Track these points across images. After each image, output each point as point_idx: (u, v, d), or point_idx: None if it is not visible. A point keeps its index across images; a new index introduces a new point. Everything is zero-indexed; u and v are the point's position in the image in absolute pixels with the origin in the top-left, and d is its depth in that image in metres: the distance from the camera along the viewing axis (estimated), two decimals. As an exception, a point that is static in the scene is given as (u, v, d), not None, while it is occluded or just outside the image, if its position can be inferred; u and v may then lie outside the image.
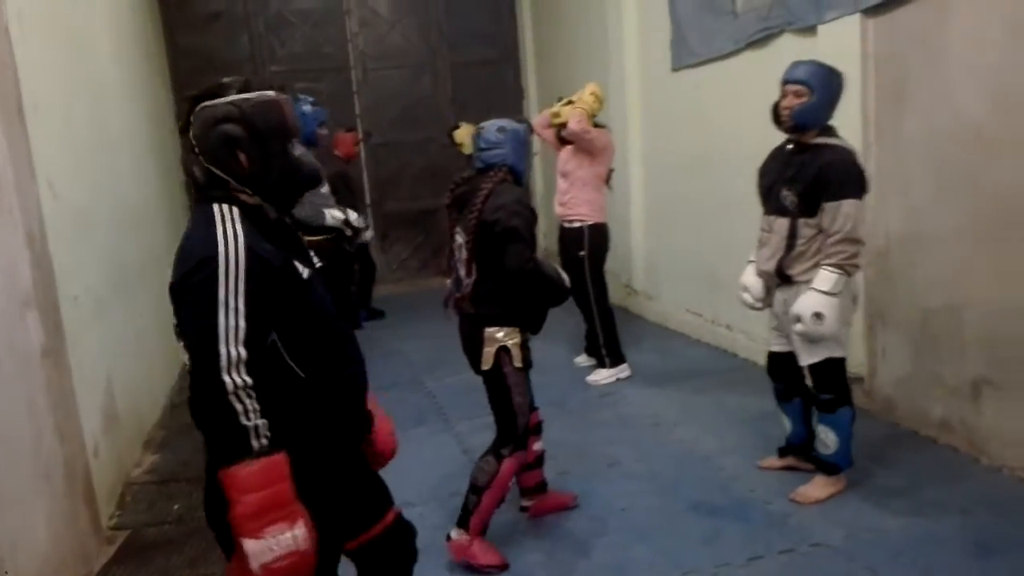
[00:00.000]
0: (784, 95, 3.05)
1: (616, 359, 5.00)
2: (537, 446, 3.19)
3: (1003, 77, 3.13)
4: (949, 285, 3.50)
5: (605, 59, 6.60)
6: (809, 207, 3.02)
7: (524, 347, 2.90)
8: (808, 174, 3.01)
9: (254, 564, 1.47)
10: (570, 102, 4.87)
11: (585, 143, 4.79)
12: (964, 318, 3.43)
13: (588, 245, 4.87)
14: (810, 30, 4.14)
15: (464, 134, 7.00)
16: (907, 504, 3.12)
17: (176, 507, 3.68)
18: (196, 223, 1.64)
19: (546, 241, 8.87)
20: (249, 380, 1.53)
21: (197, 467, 4.13)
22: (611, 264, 6.85)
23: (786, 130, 3.10)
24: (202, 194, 1.66)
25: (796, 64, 3.07)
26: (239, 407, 1.51)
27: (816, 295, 2.96)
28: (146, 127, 6.19)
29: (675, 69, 5.66)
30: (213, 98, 1.62)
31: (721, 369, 5.06)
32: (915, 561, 2.74)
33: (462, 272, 2.93)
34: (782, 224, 3.11)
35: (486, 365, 2.88)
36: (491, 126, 2.94)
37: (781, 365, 3.32)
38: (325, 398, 1.73)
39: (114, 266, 4.34)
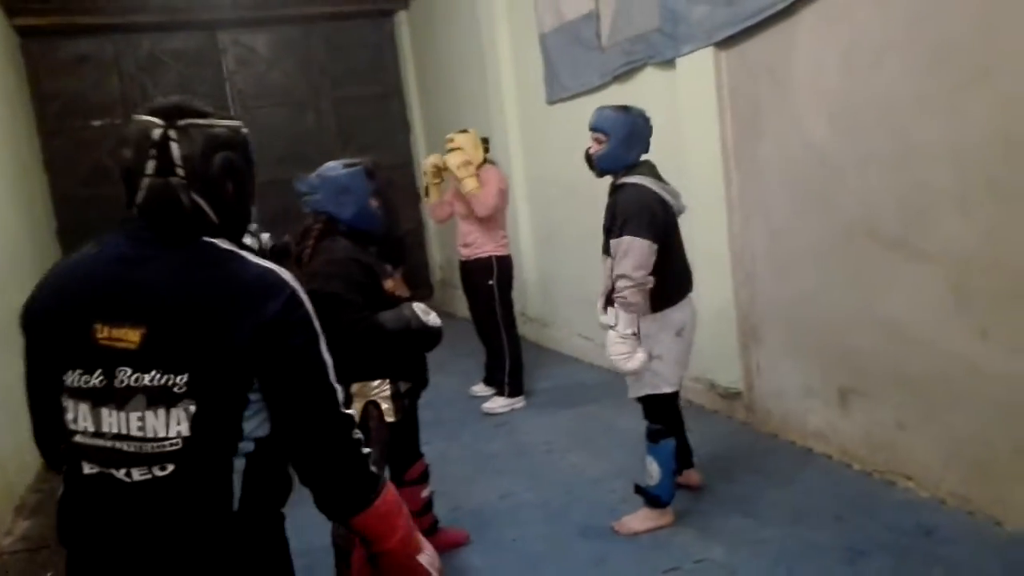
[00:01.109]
0: (591, 142, 3.18)
1: (516, 390, 5.05)
2: (424, 493, 3.16)
3: (841, 101, 3.34)
4: (811, 300, 3.69)
5: (484, 94, 6.72)
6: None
7: (396, 397, 2.75)
8: (610, 215, 3.12)
9: (436, 574, 1.59)
10: (454, 151, 4.85)
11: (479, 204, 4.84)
12: (827, 330, 3.62)
13: (496, 274, 4.94)
14: (669, 64, 4.33)
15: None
16: (785, 514, 3.24)
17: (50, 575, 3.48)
18: (215, 262, 1.39)
19: (442, 273, 8.91)
20: (354, 413, 1.55)
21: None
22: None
23: (596, 175, 3.22)
24: (183, 228, 1.39)
25: (596, 111, 3.19)
26: (360, 437, 1.47)
27: (611, 333, 3.03)
28: (8, 176, 5.90)
29: (550, 103, 5.80)
30: (198, 117, 1.39)
31: (613, 393, 5.11)
32: (792, 570, 2.85)
33: None
34: (607, 264, 3.17)
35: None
36: (322, 170, 2.79)
37: None
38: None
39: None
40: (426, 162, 5.20)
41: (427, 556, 1.58)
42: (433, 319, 2.65)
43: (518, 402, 5.04)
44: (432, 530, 3.24)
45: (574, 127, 5.60)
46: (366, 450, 1.47)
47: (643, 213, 3.00)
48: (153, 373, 1.30)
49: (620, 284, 2.97)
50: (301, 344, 1.38)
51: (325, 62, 8.67)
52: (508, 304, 5.03)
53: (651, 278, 2.99)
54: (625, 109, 3.14)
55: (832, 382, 3.65)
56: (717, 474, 3.65)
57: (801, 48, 3.53)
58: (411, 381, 2.86)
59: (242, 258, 1.41)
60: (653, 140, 4.58)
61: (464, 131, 4.96)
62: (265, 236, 4.90)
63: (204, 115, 1.40)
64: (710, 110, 4.04)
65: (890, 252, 3.20)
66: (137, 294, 1.33)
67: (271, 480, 1.44)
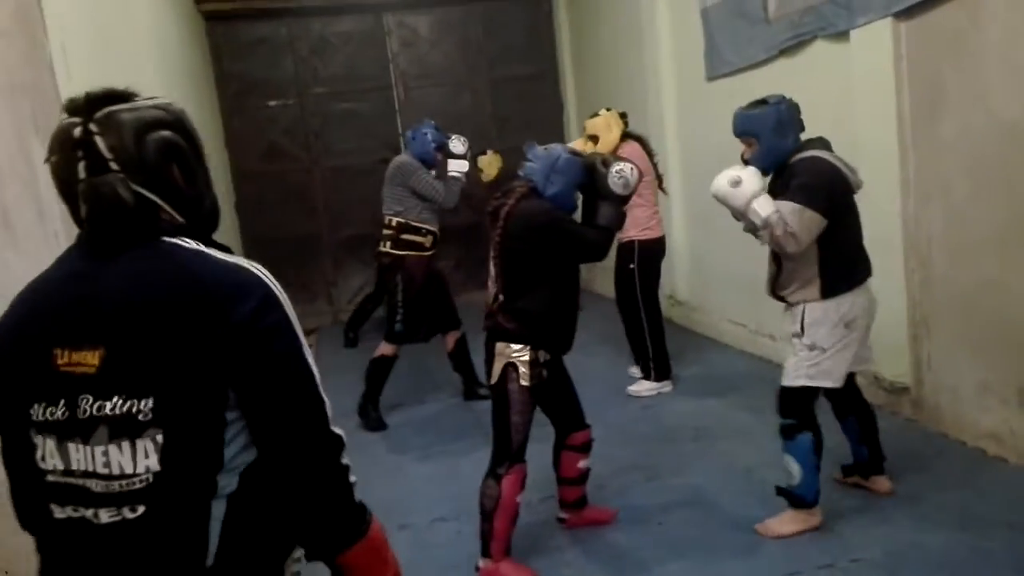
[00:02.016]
0: (742, 147, 3.05)
1: (662, 374, 4.98)
2: (582, 463, 3.20)
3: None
4: (994, 289, 3.41)
5: (642, 71, 6.61)
6: None
7: (535, 365, 2.87)
8: (783, 186, 2.94)
9: None
10: (593, 138, 4.80)
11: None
12: (1008, 323, 3.34)
13: (638, 258, 4.87)
14: (842, 36, 4.10)
15: (489, 162, 6.97)
16: (952, 518, 3.04)
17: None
18: (176, 265, 1.20)
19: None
20: (343, 431, 1.28)
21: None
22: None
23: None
24: (131, 228, 1.21)
25: (734, 116, 3.03)
26: (348, 462, 1.28)
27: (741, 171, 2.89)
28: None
29: (710, 79, 5.64)
30: (119, 101, 1.24)
31: (765, 381, 4.96)
32: (958, 577, 2.67)
33: (491, 286, 2.97)
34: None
35: (492, 379, 2.91)
36: (551, 146, 3.02)
37: None
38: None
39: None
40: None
41: None
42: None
43: (665, 386, 4.97)
44: (581, 503, 3.28)
45: (735, 103, 5.35)
46: (354, 478, 1.29)
47: (820, 183, 2.84)
48: (115, 400, 1.13)
49: (771, 225, 2.80)
50: (280, 351, 1.21)
51: (483, 42, 8.81)
52: (650, 289, 4.93)
53: (796, 243, 2.82)
54: (762, 103, 2.98)
55: (1011, 380, 3.36)
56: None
57: (991, 18, 3.25)
58: (552, 351, 2.95)
59: (207, 257, 1.23)
60: (822, 116, 4.37)
61: (596, 115, 4.90)
62: (456, 140, 4.97)
63: (125, 99, 1.24)
64: (887, 85, 3.79)
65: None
66: (93, 312, 1.17)
67: (258, 531, 1.23)
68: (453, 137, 4.90)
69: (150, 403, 1.13)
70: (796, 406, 3.00)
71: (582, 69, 8.50)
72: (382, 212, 4.86)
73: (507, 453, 2.90)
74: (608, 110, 4.88)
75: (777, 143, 2.94)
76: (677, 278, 6.60)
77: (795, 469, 3.00)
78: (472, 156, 6.56)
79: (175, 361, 1.14)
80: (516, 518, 2.93)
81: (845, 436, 3.33)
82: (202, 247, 1.24)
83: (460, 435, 4.52)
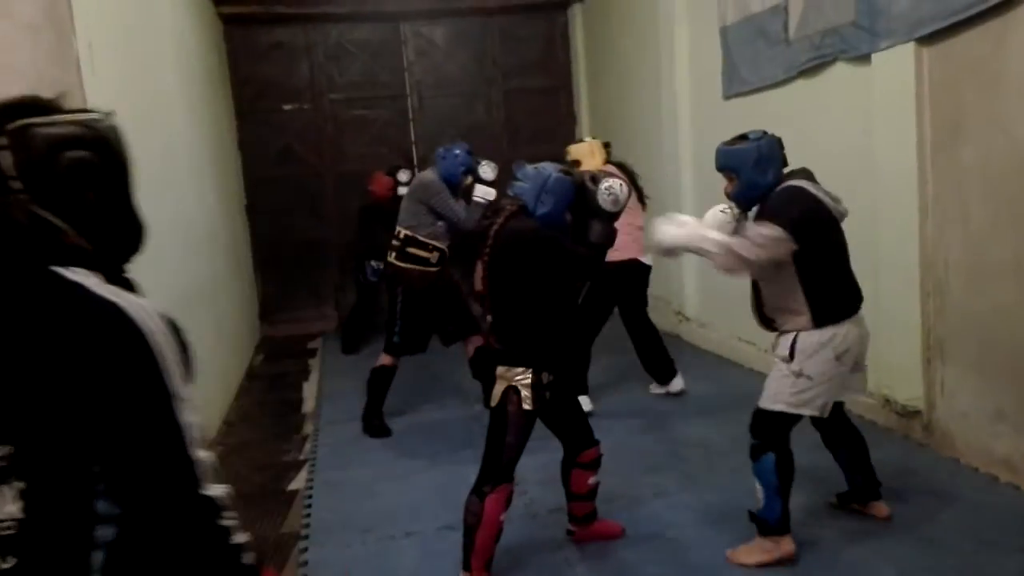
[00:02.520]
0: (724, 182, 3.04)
1: (662, 378, 5.15)
2: (591, 480, 3.19)
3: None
4: (1011, 315, 3.40)
5: (658, 87, 6.63)
6: None
7: (537, 388, 2.85)
8: (759, 215, 2.92)
9: None
10: (575, 163, 4.73)
11: None
12: (1025, 351, 3.34)
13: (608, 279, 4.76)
14: (864, 59, 4.11)
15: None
16: (966, 543, 3.02)
17: (229, 523, 3.74)
18: (45, 299, 1.09)
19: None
20: (225, 488, 1.16)
21: (250, 484, 4.23)
22: (662, 291, 6.86)
23: (743, 211, 3.03)
24: (13, 254, 1.11)
25: (716, 151, 3.01)
26: (228, 523, 1.16)
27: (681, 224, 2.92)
28: (210, 153, 6.41)
29: (727, 97, 5.65)
30: (39, 113, 1.15)
31: (773, 399, 4.98)
32: (972, 602, 2.65)
33: (484, 308, 2.97)
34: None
35: (492, 402, 2.89)
36: (540, 165, 2.97)
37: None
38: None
39: (178, 289, 4.49)
40: None
41: None
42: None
43: (672, 386, 5.16)
44: (591, 518, 3.27)
45: (751, 122, 5.39)
46: (240, 538, 1.17)
47: (792, 208, 2.82)
48: None
49: (731, 248, 2.79)
50: (140, 405, 1.09)
51: (498, 54, 8.85)
52: (607, 310, 4.98)
53: (750, 267, 2.83)
54: (742, 138, 2.96)
55: (1027, 407, 3.35)
56: (890, 495, 3.42)
57: (1015, 47, 3.25)
58: (555, 373, 2.93)
59: (83, 291, 1.10)
60: (841, 138, 4.42)
61: (581, 141, 4.92)
62: (487, 166, 4.94)
63: (46, 111, 1.15)
64: (907, 109, 3.80)
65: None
66: None
67: None
68: (484, 163, 4.88)
69: (7, 451, 1.04)
70: (768, 429, 2.98)
71: (596, 84, 8.53)
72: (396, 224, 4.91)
73: (495, 471, 2.87)
74: (593, 138, 4.87)
75: (757, 179, 2.90)
76: (686, 295, 6.60)
77: (759, 492, 2.98)
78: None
79: (30, 409, 1.05)
80: (499, 535, 2.91)
81: (839, 465, 3.32)
82: (85, 279, 1.12)
83: (468, 443, 4.48)
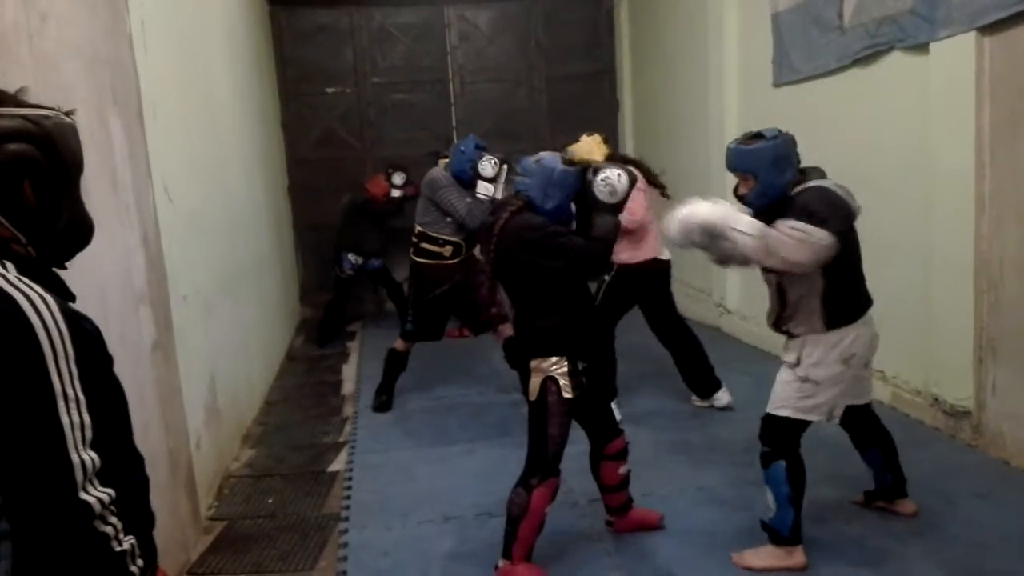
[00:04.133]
0: (737, 181, 2.89)
1: (704, 393, 4.82)
2: (622, 469, 3.17)
3: None
4: (1068, 317, 3.31)
5: (705, 73, 6.53)
6: None
7: (575, 375, 2.83)
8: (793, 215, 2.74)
9: None
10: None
11: None
12: (1084, 353, 3.24)
13: (611, 283, 4.58)
14: (921, 48, 4.00)
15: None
16: (1016, 547, 2.95)
17: (270, 501, 3.81)
18: None
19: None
20: (112, 492, 1.14)
21: (291, 464, 4.28)
22: (703, 283, 6.79)
23: (754, 214, 2.82)
24: None
25: (728, 150, 2.86)
26: (109, 530, 1.14)
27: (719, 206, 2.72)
28: (255, 133, 6.46)
29: (777, 85, 5.54)
30: None
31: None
32: (1023, 608, 2.59)
33: (501, 302, 2.95)
34: (770, 279, 2.94)
35: (532, 396, 2.87)
36: (537, 157, 2.91)
37: (845, 415, 3.05)
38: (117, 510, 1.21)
39: (222, 267, 4.54)
40: None
41: None
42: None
43: (718, 400, 4.80)
44: (626, 508, 3.26)
45: (801, 110, 5.35)
46: (125, 544, 1.16)
47: (829, 210, 2.68)
48: None
49: (768, 239, 2.63)
50: (19, 403, 1.07)
51: (542, 39, 8.78)
52: (616, 316, 4.65)
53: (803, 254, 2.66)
54: (758, 137, 2.83)
55: (1085, 411, 3.26)
56: (938, 496, 3.37)
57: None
58: (587, 360, 2.91)
59: None
60: (895, 129, 4.31)
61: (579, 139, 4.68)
62: (487, 162, 4.87)
63: (1, 103, 1.16)
64: (967, 100, 3.69)
65: None
66: None
67: (50, 567, 1.12)
68: (485, 158, 4.84)
69: None
70: (777, 435, 2.91)
71: (641, 70, 8.43)
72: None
73: (542, 465, 2.86)
74: (590, 135, 4.63)
75: (775, 179, 2.76)
76: (728, 287, 6.51)
77: (770, 500, 2.91)
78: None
79: None
80: (542, 527, 2.90)
81: (867, 465, 3.26)
82: (5, 271, 1.13)
83: (507, 430, 4.50)
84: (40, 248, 1.21)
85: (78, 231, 1.28)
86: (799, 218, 2.66)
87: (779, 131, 2.84)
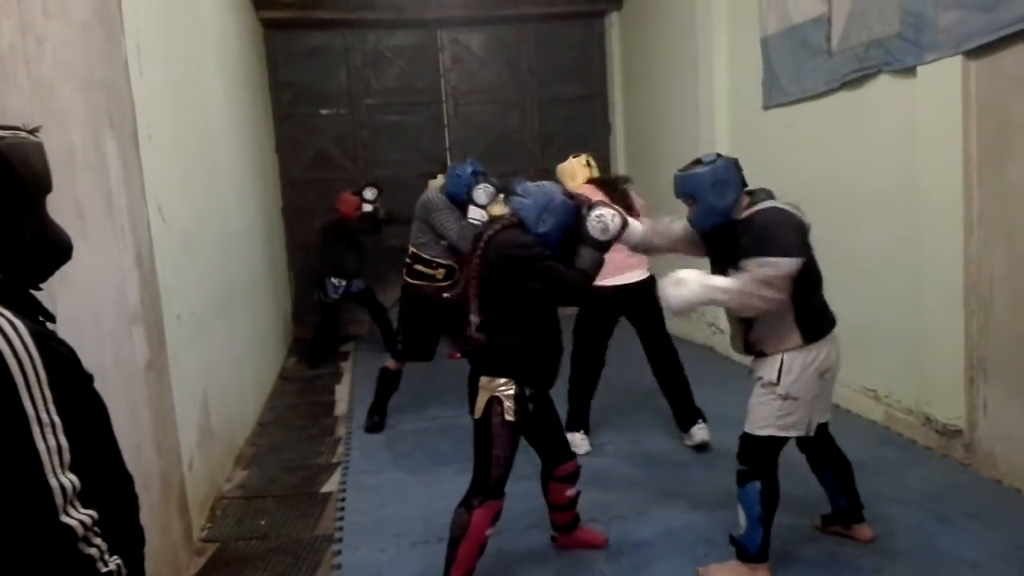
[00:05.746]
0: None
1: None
2: (569, 492, 3.21)
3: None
4: (1057, 337, 3.34)
5: (695, 97, 6.59)
6: None
7: (519, 400, 2.84)
8: (748, 239, 2.81)
9: None
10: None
11: None
12: (1073, 372, 3.26)
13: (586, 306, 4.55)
14: (909, 72, 4.06)
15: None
16: (1013, 567, 2.96)
17: (263, 523, 3.79)
18: None
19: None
20: (94, 513, 1.15)
21: (284, 485, 4.26)
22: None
23: (703, 232, 3.01)
24: None
25: (674, 178, 2.96)
26: (94, 551, 1.14)
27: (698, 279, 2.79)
28: (249, 155, 6.49)
29: (766, 108, 5.61)
30: None
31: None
32: (1016, 627, 2.60)
33: (472, 314, 2.95)
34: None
35: (476, 414, 2.88)
36: (544, 185, 2.97)
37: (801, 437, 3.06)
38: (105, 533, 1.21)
39: (215, 288, 4.54)
40: None
41: None
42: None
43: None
44: (571, 527, 3.32)
45: (790, 133, 5.43)
46: (111, 565, 1.17)
47: (785, 231, 2.77)
48: None
49: (744, 291, 2.71)
50: (1, 428, 1.08)
51: (533, 62, 8.86)
52: (587, 338, 4.51)
53: (775, 291, 2.72)
54: (696, 163, 2.92)
55: (1075, 430, 3.28)
56: (930, 514, 3.39)
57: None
58: (536, 387, 2.94)
59: None
60: (883, 151, 4.36)
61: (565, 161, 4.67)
62: (482, 190, 4.86)
63: None
64: (954, 123, 3.74)
65: None
66: None
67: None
68: (480, 186, 4.82)
69: None
70: (756, 454, 2.94)
71: (632, 93, 8.51)
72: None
73: (484, 486, 2.86)
74: (575, 156, 4.63)
75: (715, 202, 2.85)
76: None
77: (741, 518, 2.94)
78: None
79: None
80: (482, 549, 2.89)
81: (823, 487, 3.27)
82: None
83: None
84: (7, 270, 1.19)
85: (47, 250, 1.26)
86: (761, 249, 2.73)
87: (717, 155, 2.94)
